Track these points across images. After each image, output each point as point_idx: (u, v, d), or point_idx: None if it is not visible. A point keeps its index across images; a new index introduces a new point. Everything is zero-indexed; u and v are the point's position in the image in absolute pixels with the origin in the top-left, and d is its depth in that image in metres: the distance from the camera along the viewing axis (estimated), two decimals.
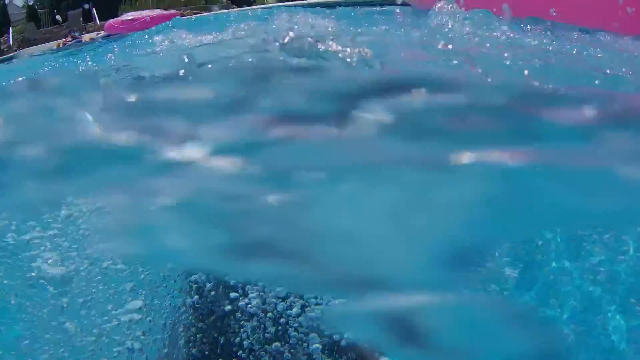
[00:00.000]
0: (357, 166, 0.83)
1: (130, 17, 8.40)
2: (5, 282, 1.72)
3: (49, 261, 1.65)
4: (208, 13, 11.72)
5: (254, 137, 0.83)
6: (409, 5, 3.28)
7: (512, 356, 0.80)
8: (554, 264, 1.57)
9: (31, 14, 24.59)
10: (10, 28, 18.13)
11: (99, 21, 13.95)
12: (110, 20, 8.92)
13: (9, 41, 16.16)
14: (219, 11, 11.02)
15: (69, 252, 1.70)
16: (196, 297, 1.53)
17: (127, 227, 0.90)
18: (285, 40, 1.02)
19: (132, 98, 0.89)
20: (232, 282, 1.45)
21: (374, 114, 0.81)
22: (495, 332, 0.79)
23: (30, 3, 27.38)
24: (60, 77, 1.62)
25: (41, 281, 1.64)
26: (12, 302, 1.65)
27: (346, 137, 0.81)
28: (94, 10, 15.17)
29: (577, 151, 0.84)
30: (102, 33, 9.55)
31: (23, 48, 14.25)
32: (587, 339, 1.51)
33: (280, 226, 0.84)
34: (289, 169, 0.84)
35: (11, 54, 12.02)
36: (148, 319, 1.58)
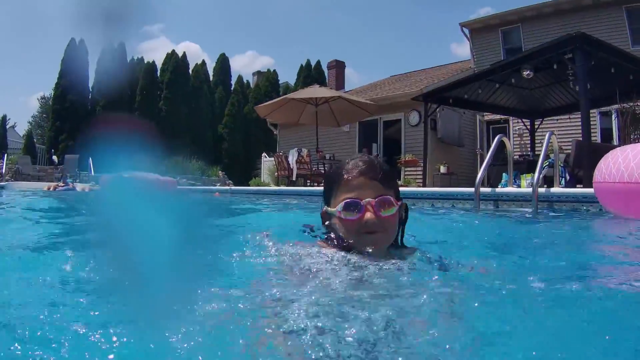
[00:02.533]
0: None
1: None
2: None
3: None
4: (206, 187, 11.56)
5: None
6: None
7: None
8: None
9: (29, 147, 25.15)
10: (5, 155, 17.91)
11: (94, 172, 13.24)
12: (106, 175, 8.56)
13: (2, 169, 15.90)
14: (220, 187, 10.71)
15: None
16: None
17: None
18: None
19: None
20: None
21: None
22: None
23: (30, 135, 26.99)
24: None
25: None
26: None
27: None
28: (91, 161, 14.20)
29: None
30: (96, 186, 9.60)
31: (15, 180, 14.48)
32: None
33: None
34: None
35: (1, 183, 12.23)
36: None
